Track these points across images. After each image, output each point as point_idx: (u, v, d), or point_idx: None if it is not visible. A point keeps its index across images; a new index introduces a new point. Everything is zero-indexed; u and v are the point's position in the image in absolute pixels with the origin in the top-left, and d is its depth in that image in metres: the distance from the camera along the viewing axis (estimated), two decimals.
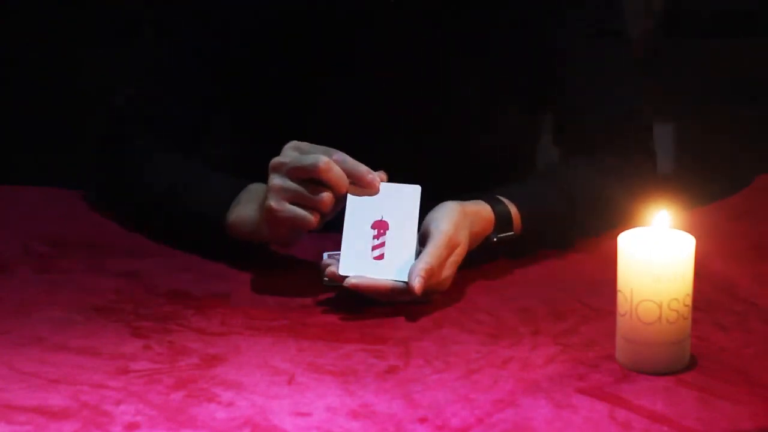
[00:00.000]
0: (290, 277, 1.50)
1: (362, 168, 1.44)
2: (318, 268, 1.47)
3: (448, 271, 1.43)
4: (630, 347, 1.28)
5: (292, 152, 1.45)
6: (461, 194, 1.50)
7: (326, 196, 1.43)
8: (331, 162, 1.42)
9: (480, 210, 1.50)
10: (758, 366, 1.29)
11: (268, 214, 1.45)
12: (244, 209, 1.51)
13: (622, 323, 1.28)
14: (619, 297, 1.28)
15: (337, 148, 1.44)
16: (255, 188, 1.53)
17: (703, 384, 1.25)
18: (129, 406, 1.21)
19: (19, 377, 1.27)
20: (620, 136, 1.67)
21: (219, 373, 1.28)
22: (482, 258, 1.51)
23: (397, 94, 1.67)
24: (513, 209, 1.52)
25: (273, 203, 1.44)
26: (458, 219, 1.44)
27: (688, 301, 1.27)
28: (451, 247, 1.42)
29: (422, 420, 1.19)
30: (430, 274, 1.39)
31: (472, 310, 1.42)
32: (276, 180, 1.44)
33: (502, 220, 1.51)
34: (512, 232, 1.52)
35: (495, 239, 1.51)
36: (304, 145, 1.46)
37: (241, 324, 1.39)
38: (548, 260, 1.55)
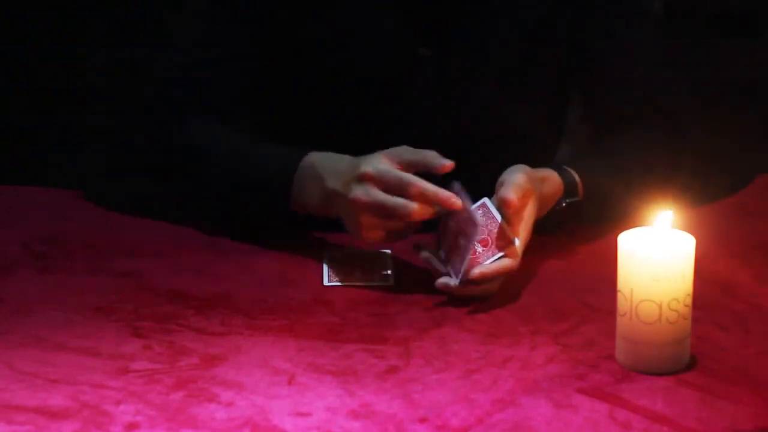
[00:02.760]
0: (290, 277, 1.50)
1: (442, 194, 1.43)
2: (319, 269, 1.47)
3: (524, 232, 1.45)
4: (630, 347, 1.28)
5: (384, 164, 1.45)
6: (489, 175, 1.51)
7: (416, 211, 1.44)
8: (420, 207, 1.42)
9: (548, 175, 1.53)
10: (758, 366, 1.29)
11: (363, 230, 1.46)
12: (308, 193, 1.52)
13: (622, 323, 1.28)
14: (619, 297, 1.28)
15: (367, 123, 1.51)
16: (314, 165, 1.52)
17: (703, 384, 1.25)
18: (129, 406, 1.21)
19: (19, 377, 1.26)
20: (654, 112, 1.70)
21: (219, 373, 1.28)
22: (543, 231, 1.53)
23: (431, 69, 1.68)
24: (576, 176, 1.56)
25: (366, 218, 1.45)
26: (529, 174, 1.47)
27: (688, 301, 1.27)
28: (526, 195, 1.45)
29: (422, 420, 1.19)
30: (520, 193, 1.43)
31: (472, 310, 1.42)
32: (360, 192, 1.44)
33: (570, 186, 1.55)
34: (578, 198, 1.55)
35: (564, 204, 1.54)
36: (399, 151, 1.46)
37: (241, 324, 1.39)
38: (548, 260, 1.55)
